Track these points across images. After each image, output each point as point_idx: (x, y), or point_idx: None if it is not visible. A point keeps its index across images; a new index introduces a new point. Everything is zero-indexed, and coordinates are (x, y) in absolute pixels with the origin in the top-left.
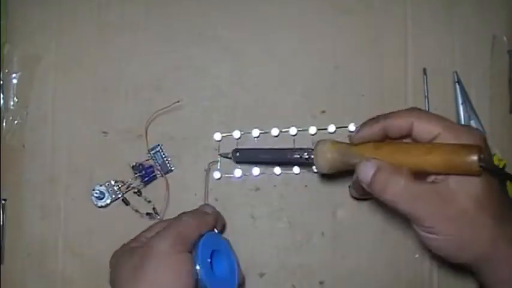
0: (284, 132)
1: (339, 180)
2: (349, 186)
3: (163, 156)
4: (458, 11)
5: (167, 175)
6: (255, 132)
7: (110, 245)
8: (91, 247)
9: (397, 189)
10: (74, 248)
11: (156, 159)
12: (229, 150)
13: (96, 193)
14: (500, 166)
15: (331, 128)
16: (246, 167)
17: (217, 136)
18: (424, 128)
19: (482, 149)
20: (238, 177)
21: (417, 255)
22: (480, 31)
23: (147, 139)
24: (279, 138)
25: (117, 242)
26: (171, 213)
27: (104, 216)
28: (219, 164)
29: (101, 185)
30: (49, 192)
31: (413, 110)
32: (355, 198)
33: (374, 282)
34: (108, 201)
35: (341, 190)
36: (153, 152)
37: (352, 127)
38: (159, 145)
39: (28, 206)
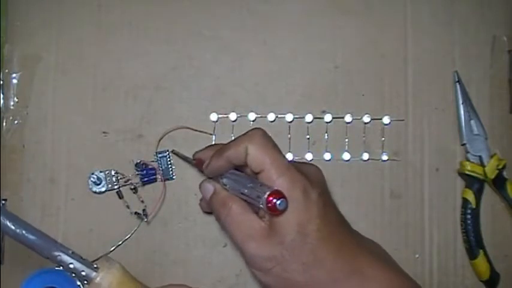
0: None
1: (338, 179)
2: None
3: (169, 163)
4: (458, 11)
5: (167, 182)
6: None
7: (109, 245)
8: (91, 247)
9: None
10: (73, 248)
11: (160, 164)
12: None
13: (93, 178)
14: (500, 166)
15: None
16: None
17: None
18: (254, 157)
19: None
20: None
21: (417, 255)
22: (480, 31)
23: (159, 141)
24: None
25: (117, 242)
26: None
27: (104, 216)
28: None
29: (101, 171)
30: (49, 192)
31: (253, 136)
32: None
33: None
34: (103, 189)
35: (341, 189)
36: (160, 155)
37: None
38: (167, 150)
39: (28, 206)
